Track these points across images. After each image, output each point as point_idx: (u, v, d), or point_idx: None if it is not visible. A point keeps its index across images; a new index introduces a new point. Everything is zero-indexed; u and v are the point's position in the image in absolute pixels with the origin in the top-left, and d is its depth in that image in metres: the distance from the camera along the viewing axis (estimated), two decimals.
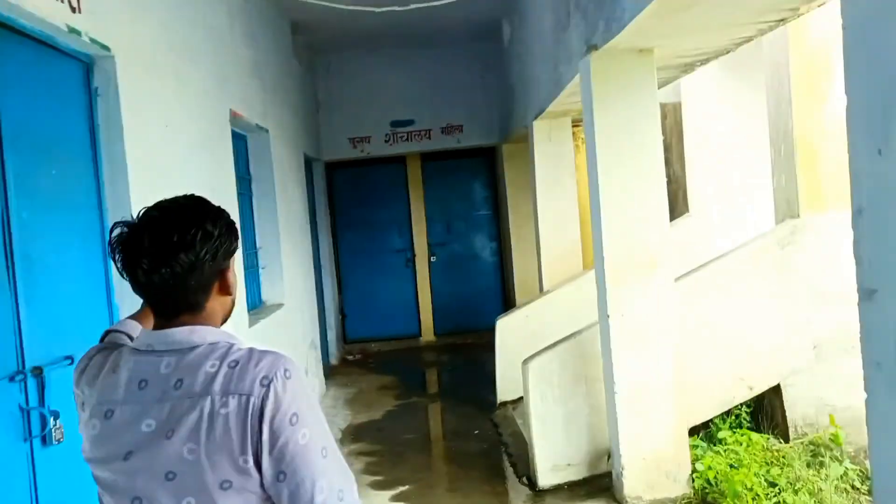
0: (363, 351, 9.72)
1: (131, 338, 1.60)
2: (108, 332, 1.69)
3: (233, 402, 1.30)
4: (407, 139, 9.36)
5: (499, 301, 9.97)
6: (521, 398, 5.58)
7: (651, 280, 4.30)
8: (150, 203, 1.44)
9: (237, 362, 1.34)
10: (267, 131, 6.06)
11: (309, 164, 8.85)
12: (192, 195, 1.46)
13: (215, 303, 1.44)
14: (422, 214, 9.85)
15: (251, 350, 1.37)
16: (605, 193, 4.31)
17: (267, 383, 1.31)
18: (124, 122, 3.15)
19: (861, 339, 1.56)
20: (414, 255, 9.87)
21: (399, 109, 9.30)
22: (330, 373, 8.59)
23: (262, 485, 1.31)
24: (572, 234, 6.78)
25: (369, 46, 8.99)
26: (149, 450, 1.32)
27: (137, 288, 1.40)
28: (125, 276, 1.39)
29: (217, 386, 1.32)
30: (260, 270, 6.10)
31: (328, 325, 9.09)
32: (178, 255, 1.34)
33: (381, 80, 9.27)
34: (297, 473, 1.30)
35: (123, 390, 1.37)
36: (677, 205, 6.94)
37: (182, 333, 1.38)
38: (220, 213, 1.43)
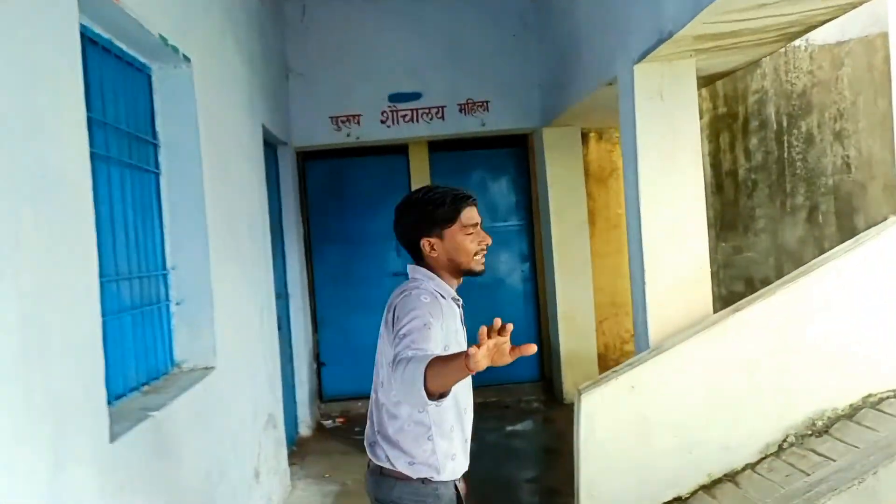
0: (347, 413, 7.02)
1: None
2: None
3: (392, 309, 2.08)
4: (411, 119, 6.74)
5: (533, 342, 7.28)
6: None
7: None
8: None
9: (403, 289, 2.13)
10: (187, 61, 3.43)
11: (272, 149, 6.19)
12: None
13: (428, 259, 2.16)
14: None
15: (409, 285, 2.13)
16: None
17: (399, 294, 2.10)
18: None
19: None
20: None
21: (401, 78, 6.70)
22: (299, 450, 5.89)
23: None
24: (697, 249, 4.18)
25: None
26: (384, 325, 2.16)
27: None
28: None
29: (394, 299, 2.12)
30: (170, 309, 3.43)
31: (297, 379, 6.38)
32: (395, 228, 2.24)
33: (377, 36, 6.67)
34: (400, 325, 1.99)
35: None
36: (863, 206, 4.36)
37: (409, 269, 2.22)
38: (408, 200, 2.22)
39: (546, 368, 7.23)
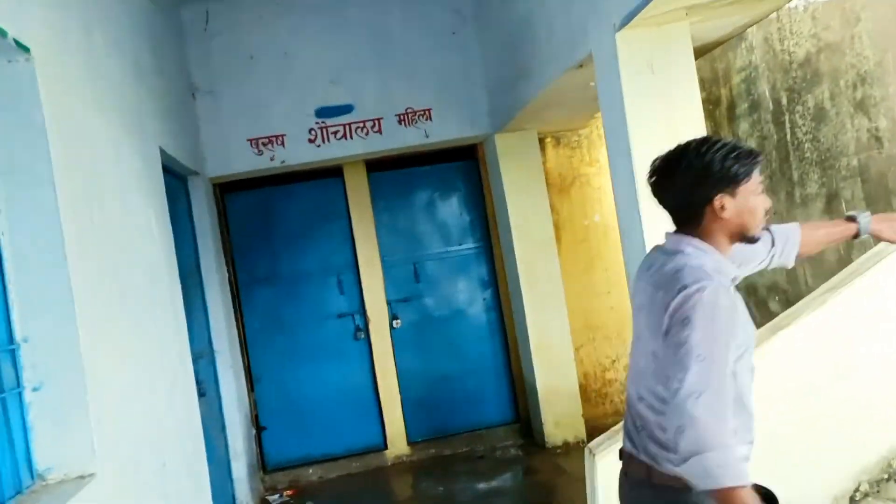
0: (296, 483, 5.99)
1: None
2: None
3: (660, 295, 1.74)
4: (344, 136, 5.83)
5: (504, 380, 6.43)
6: None
7: None
8: None
9: (676, 269, 1.75)
10: (25, 52, 2.47)
11: (181, 181, 5.20)
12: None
13: (711, 223, 1.78)
14: (374, 255, 6.28)
15: (687, 265, 1.74)
16: None
17: (680, 289, 1.69)
18: None
19: None
20: (367, 321, 6.25)
21: (328, 89, 5.80)
22: None
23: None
24: None
25: None
26: (638, 315, 1.89)
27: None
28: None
29: (661, 280, 1.77)
30: (23, 398, 2.43)
31: (232, 452, 5.34)
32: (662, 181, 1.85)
33: (295, 41, 5.76)
34: (673, 361, 1.66)
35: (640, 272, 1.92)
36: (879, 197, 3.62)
37: (672, 240, 1.86)
38: (693, 148, 1.80)
39: (522, 408, 6.34)
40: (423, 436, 6.27)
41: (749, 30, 4.28)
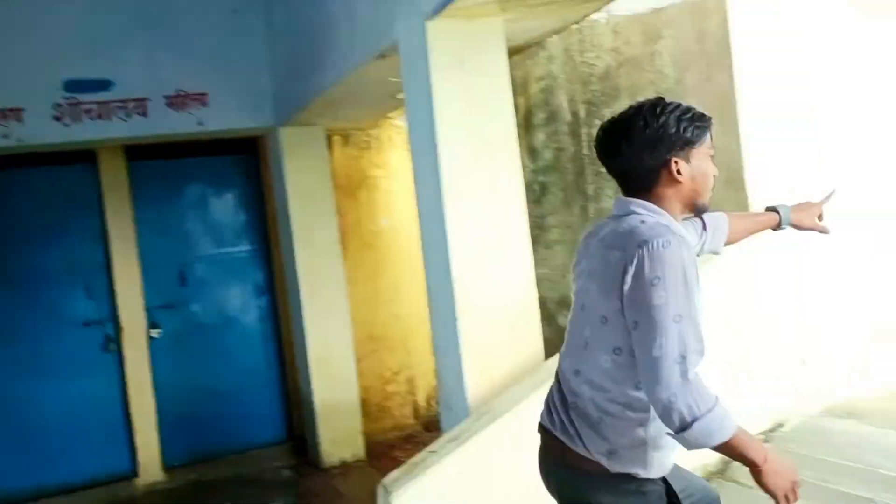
0: None
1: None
2: None
3: (616, 255, 1.60)
4: (100, 116, 4.99)
5: (277, 395, 5.91)
6: None
7: None
8: None
9: (630, 227, 1.63)
10: None
11: None
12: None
13: (666, 188, 1.69)
14: (132, 255, 5.47)
15: (644, 222, 1.64)
16: None
17: (640, 245, 1.55)
18: None
19: None
20: (119, 330, 5.43)
21: (81, 60, 4.93)
22: None
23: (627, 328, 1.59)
24: (521, 266, 3.14)
25: None
26: (583, 281, 1.75)
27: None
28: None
29: (614, 240, 1.64)
30: None
31: None
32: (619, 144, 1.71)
33: (45, 1, 4.87)
34: (647, 327, 1.52)
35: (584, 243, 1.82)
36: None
37: (619, 203, 1.74)
38: (648, 107, 1.69)
39: (296, 426, 5.86)
40: (183, 459, 5.57)
41: (550, 39, 4.19)
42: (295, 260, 5.44)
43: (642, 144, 1.67)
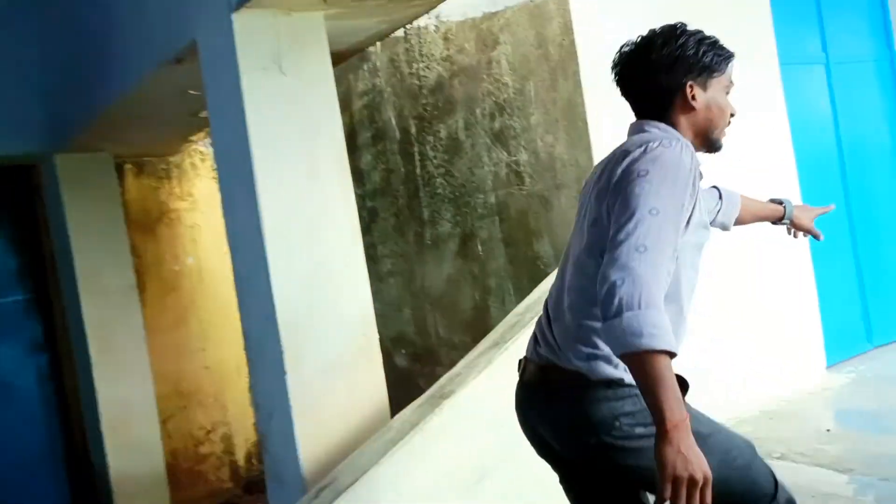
0: None
1: None
2: None
3: (617, 156, 1.54)
4: None
5: (62, 472, 4.97)
6: None
7: None
8: None
9: (640, 140, 1.54)
10: None
11: None
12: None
13: (679, 113, 1.61)
14: None
15: (654, 134, 1.57)
16: None
17: (643, 144, 1.50)
18: None
19: None
20: None
21: None
22: None
23: None
24: (360, 301, 2.67)
25: None
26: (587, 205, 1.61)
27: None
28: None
29: (618, 150, 1.56)
30: None
31: None
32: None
33: None
34: (619, 212, 1.43)
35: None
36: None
37: (637, 125, 1.65)
38: (669, 29, 1.62)
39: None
40: None
41: (373, 49, 3.79)
42: (81, 309, 4.65)
43: (659, 64, 1.62)
